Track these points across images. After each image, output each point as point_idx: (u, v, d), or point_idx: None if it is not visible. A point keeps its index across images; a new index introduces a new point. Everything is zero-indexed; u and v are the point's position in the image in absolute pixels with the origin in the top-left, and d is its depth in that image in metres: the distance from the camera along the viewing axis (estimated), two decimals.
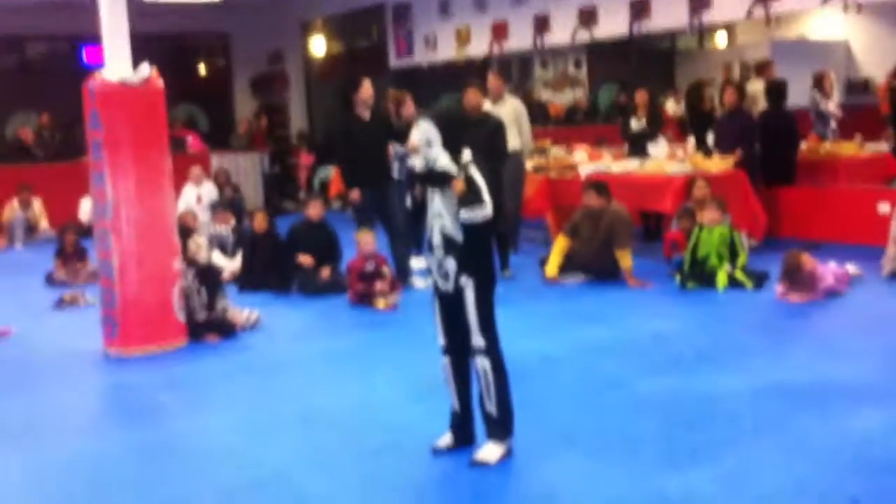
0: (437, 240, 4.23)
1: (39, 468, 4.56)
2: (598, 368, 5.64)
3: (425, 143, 4.18)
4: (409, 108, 9.29)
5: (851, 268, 7.38)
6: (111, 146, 6.42)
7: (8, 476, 4.49)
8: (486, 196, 4.09)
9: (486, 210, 4.09)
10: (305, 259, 8.27)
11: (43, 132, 14.71)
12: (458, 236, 4.15)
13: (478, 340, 4.19)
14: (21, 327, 7.40)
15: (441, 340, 4.34)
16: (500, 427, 4.25)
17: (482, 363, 4.20)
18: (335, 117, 9.68)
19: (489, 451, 4.22)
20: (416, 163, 4.29)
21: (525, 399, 5.03)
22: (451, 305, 4.25)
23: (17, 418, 5.33)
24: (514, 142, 8.86)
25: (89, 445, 4.83)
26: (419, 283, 8.13)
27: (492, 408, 4.23)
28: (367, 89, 8.13)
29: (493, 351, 4.22)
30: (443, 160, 4.14)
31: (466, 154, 4.19)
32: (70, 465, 4.56)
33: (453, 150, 4.17)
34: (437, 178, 4.17)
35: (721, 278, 7.41)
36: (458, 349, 4.29)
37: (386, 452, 4.42)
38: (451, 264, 4.18)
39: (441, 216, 4.19)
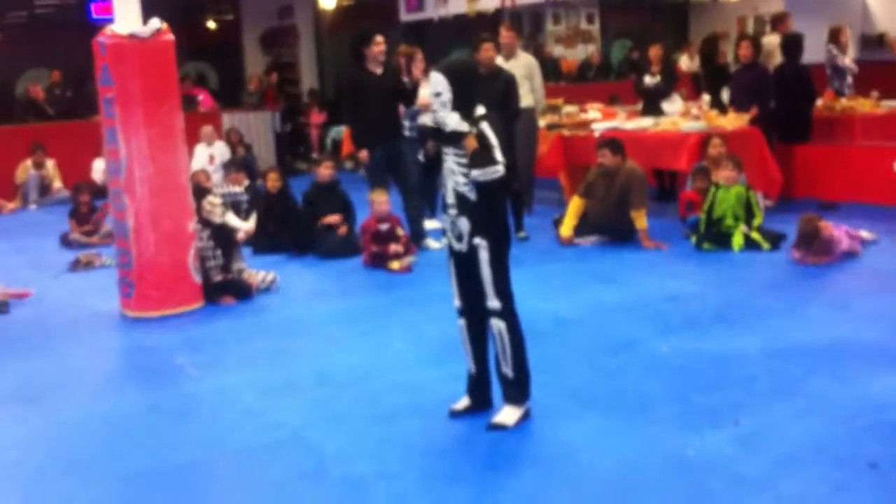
0: (450, 199, 4.19)
1: (56, 429, 4.60)
2: (613, 330, 5.64)
3: (435, 95, 4.08)
4: (419, 63, 9.21)
5: (865, 233, 7.32)
6: (123, 102, 6.38)
7: (26, 436, 4.53)
8: (498, 155, 4.00)
9: (498, 170, 4.00)
10: (332, 219, 8.20)
11: (54, 89, 14.66)
12: (472, 195, 4.10)
13: (493, 302, 4.17)
14: (37, 289, 7.43)
15: (456, 302, 4.33)
16: (517, 389, 4.25)
17: (498, 325, 4.19)
18: (345, 72, 9.60)
19: (507, 415, 4.23)
20: (427, 118, 4.21)
21: (540, 361, 5.03)
22: (465, 266, 4.22)
23: (35, 379, 5.37)
24: (526, 98, 8.79)
25: (106, 407, 4.87)
26: (433, 244, 8.12)
27: (508, 370, 4.23)
28: (379, 45, 8.03)
29: (508, 313, 4.19)
30: (453, 117, 4.04)
31: (480, 109, 4.12)
32: (87, 426, 4.60)
33: (466, 104, 4.07)
34: (449, 134, 4.10)
35: (737, 239, 7.38)
36: (473, 311, 4.28)
37: (402, 414, 4.44)
38: (464, 224, 4.15)
39: (454, 173, 4.14)
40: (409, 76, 9.02)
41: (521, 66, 8.94)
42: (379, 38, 8.05)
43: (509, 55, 8.99)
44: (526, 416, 4.26)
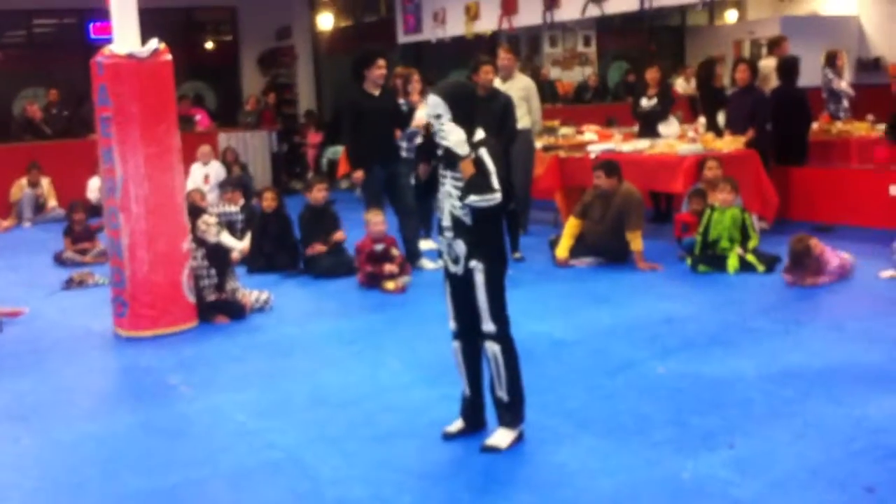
0: (446, 221, 4.19)
1: (50, 449, 4.57)
2: (609, 351, 5.62)
3: (436, 117, 4.07)
4: (416, 85, 9.22)
5: (846, 255, 7.27)
6: (120, 121, 6.38)
7: (19, 456, 4.50)
8: (495, 182, 4.00)
9: (494, 197, 4.01)
10: (317, 248, 8.19)
11: (51, 109, 14.67)
12: (467, 219, 4.10)
13: (488, 326, 4.16)
14: (31, 307, 7.40)
15: (451, 324, 4.31)
16: (511, 413, 4.24)
17: (492, 348, 4.18)
18: (344, 91, 9.61)
19: (500, 437, 4.21)
20: (423, 139, 4.21)
21: (536, 383, 5.01)
22: (461, 289, 4.21)
23: (27, 398, 5.33)
24: (523, 120, 8.81)
25: (99, 426, 4.83)
26: (428, 264, 8.11)
27: (502, 393, 4.21)
28: (380, 68, 8.02)
29: (503, 336, 4.19)
30: (453, 137, 4.02)
31: (479, 133, 4.12)
32: (80, 446, 4.57)
33: (465, 127, 4.06)
34: (446, 153, 4.09)
35: (732, 261, 7.38)
36: (468, 333, 4.26)
37: (398, 436, 4.42)
38: (460, 247, 4.14)
39: (451, 196, 4.13)
40: (406, 97, 9.04)
41: (519, 87, 8.97)
42: (381, 62, 8.04)
43: (507, 77, 9.03)
44: (519, 439, 4.24)
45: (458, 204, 4.10)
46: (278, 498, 3.87)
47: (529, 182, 9.08)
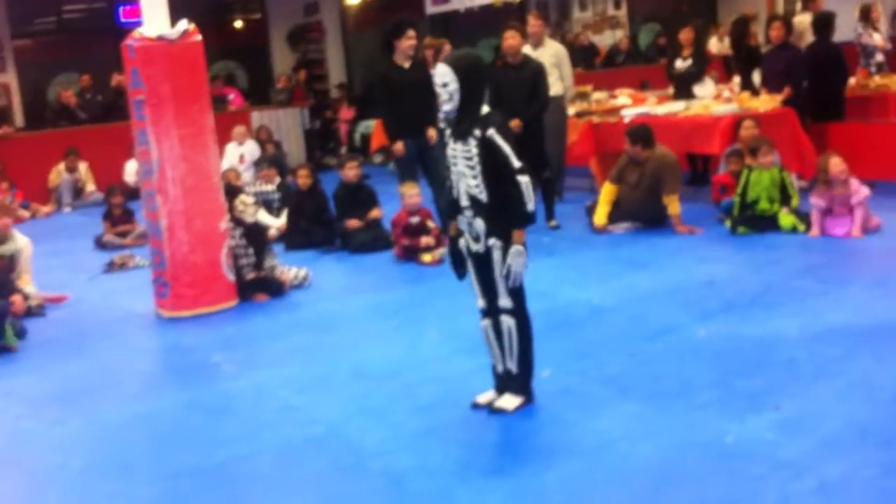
0: (464, 201, 4.17)
1: (97, 429, 4.64)
2: (649, 316, 5.58)
3: (442, 86, 4.07)
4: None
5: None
6: (153, 104, 6.41)
7: (67, 438, 4.57)
8: (515, 162, 3.99)
9: (530, 208, 4.04)
10: (353, 223, 8.21)
11: (85, 94, 14.79)
12: (483, 196, 4.09)
13: (504, 301, 4.19)
14: (73, 291, 7.50)
15: (479, 303, 4.32)
16: (518, 383, 4.30)
17: (508, 323, 4.23)
18: (374, 65, 9.58)
19: (507, 401, 4.29)
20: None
21: (576, 349, 5.03)
22: (485, 267, 4.22)
23: (74, 381, 5.42)
24: (555, 87, 8.73)
25: (145, 406, 4.90)
26: None
27: (512, 365, 4.27)
28: (410, 39, 7.96)
29: (519, 312, 4.22)
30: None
31: (485, 108, 4.11)
32: (127, 426, 4.64)
33: (474, 99, 4.08)
34: (455, 128, 4.10)
35: (784, 220, 7.27)
36: (496, 310, 4.27)
37: (440, 406, 4.43)
38: (480, 225, 4.14)
39: (465, 176, 4.12)
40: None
41: (550, 54, 8.89)
42: (411, 32, 8.00)
43: (537, 44, 8.94)
44: (527, 403, 4.29)
45: (472, 182, 4.09)
46: (323, 471, 3.90)
47: (563, 149, 9.00)
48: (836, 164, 6.97)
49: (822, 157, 7.23)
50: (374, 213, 8.27)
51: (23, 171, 12.64)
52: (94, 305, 7.16)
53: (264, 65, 17.78)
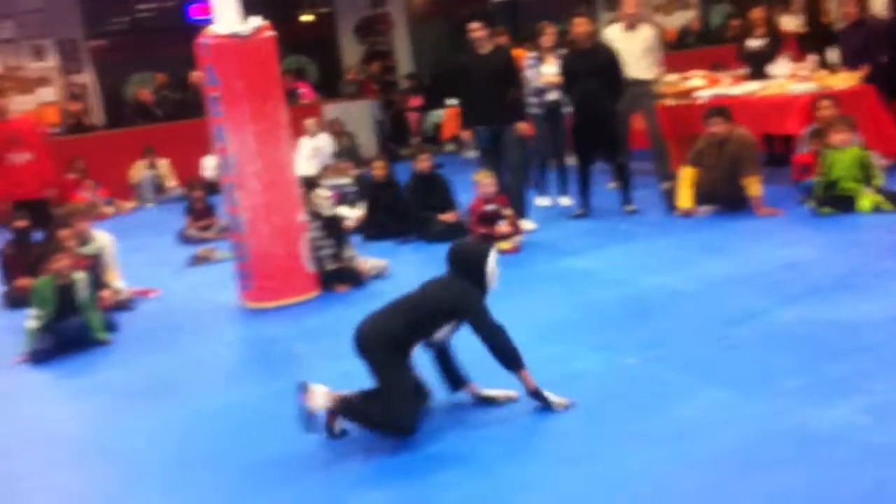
0: None
1: (187, 420, 4.77)
2: (730, 301, 5.52)
3: None
4: (548, 38, 9.10)
5: None
6: (228, 100, 6.53)
7: (157, 429, 4.72)
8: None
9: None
10: (448, 217, 8.28)
11: (161, 92, 15.11)
12: None
13: None
14: (160, 285, 7.70)
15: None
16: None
17: None
18: (447, 54, 9.65)
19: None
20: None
21: (654, 335, 5.00)
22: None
23: (163, 373, 5.58)
24: (647, 72, 8.67)
25: (233, 397, 5.03)
26: (527, 225, 8.04)
27: None
28: (474, 31, 8.04)
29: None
30: None
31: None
32: (216, 417, 4.77)
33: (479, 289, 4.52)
34: None
35: (865, 202, 7.09)
36: None
37: (521, 394, 4.45)
38: None
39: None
40: (539, 51, 8.97)
41: (642, 38, 8.70)
42: (472, 25, 8.10)
43: (631, 25, 8.76)
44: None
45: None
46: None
47: (659, 130, 8.91)
48: None
49: None
50: (449, 216, 8.30)
51: (105, 168, 13.00)
52: (181, 298, 7.34)
53: (333, 58, 17.94)
